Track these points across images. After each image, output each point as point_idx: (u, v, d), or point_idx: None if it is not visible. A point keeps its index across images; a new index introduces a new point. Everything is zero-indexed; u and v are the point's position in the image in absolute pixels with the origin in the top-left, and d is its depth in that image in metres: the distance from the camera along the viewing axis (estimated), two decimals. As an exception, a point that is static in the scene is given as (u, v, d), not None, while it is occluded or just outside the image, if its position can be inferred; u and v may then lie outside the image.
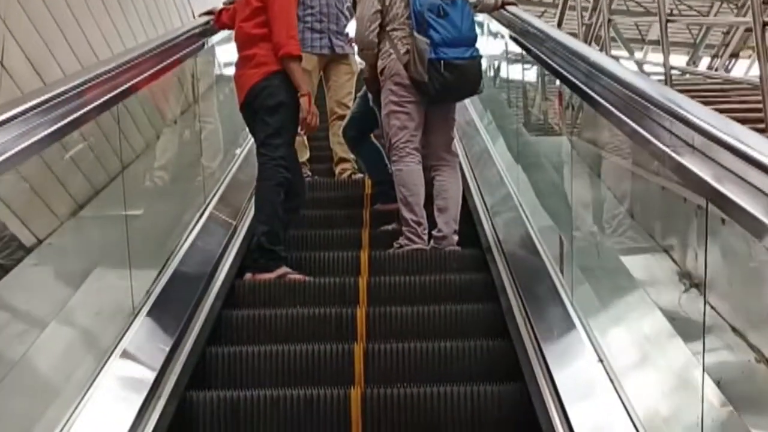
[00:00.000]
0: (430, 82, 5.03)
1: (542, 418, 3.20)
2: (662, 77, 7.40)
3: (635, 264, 3.35)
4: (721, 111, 2.28)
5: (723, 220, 2.16)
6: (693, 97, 3.27)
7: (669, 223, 3.11)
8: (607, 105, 3.13)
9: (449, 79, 5.04)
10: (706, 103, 2.67)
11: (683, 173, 2.32)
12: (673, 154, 2.37)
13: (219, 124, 6.25)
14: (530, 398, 3.42)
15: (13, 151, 2.62)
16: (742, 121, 2.29)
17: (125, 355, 3.35)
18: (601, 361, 3.15)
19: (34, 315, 3.06)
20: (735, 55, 13.93)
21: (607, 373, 3.12)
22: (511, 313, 4.14)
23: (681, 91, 2.74)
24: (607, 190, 3.73)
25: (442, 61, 5.01)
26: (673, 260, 2.88)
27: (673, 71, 7.74)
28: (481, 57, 5.16)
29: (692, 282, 2.50)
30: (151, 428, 3.12)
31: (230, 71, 5.37)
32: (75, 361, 3.22)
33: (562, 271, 4.00)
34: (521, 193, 5.18)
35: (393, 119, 5.20)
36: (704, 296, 2.33)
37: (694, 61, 14.35)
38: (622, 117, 2.92)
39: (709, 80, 8.79)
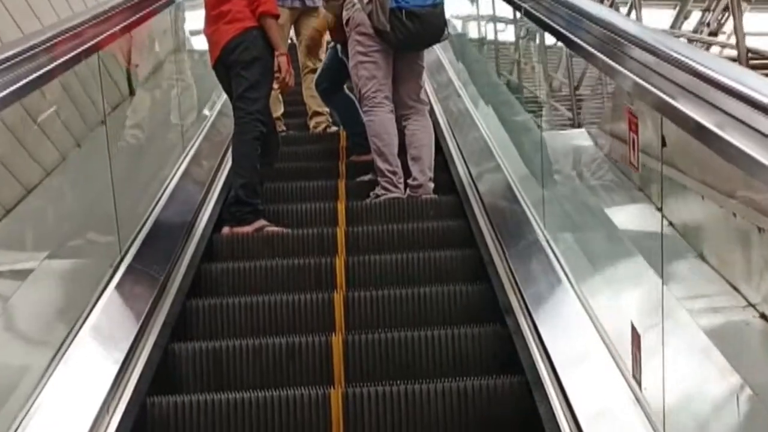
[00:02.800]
0: (392, 32, 5.03)
1: (522, 355, 3.24)
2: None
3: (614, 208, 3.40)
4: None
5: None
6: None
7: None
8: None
9: (411, 28, 5.04)
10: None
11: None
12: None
13: (192, 81, 6.22)
14: (511, 337, 3.45)
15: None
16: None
17: (108, 304, 3.38)
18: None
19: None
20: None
21: (585, 310, 3.16)
22: (489, 257, 4.17)
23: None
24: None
25: (403, 11, 5.01)
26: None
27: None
28: (442, 4, 5.15)
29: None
30: (135, 380, 3.15)
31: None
32: (57, 309, 3.24)
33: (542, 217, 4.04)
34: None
35: (361, 69, 5.20)
36: (661, 213, 2.42)
37: (685, 16, 13.69)
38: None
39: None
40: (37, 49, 3.06)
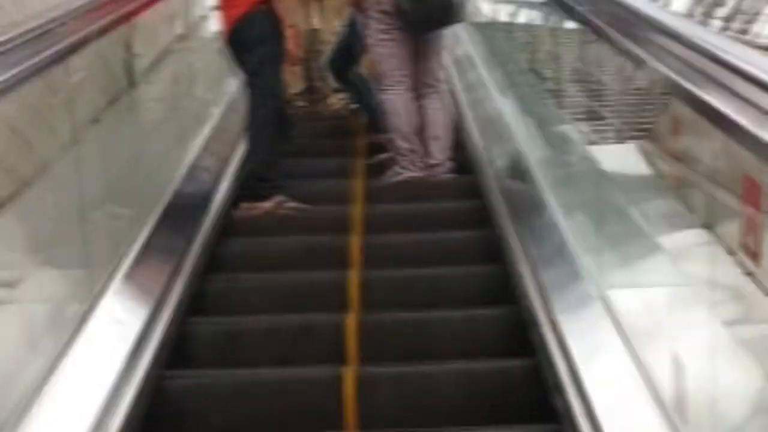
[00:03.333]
0: (411, 11, 5.01)
1: (536, 338, 3.25)
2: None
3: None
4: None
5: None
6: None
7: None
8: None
9: (431, 7, 5.01)
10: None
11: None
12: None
13: (211, 56, 6.22)
14: (524, 320, 3.46)
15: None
16: None
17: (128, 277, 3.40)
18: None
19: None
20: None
21: (602, 298, 3.16)
22: (506, 238, 4.17)
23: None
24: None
25: None
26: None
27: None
28: None
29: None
30: (151, 356, 3.17)
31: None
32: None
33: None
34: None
35: (380, 47, 5.19)
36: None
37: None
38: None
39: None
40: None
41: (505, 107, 5.53)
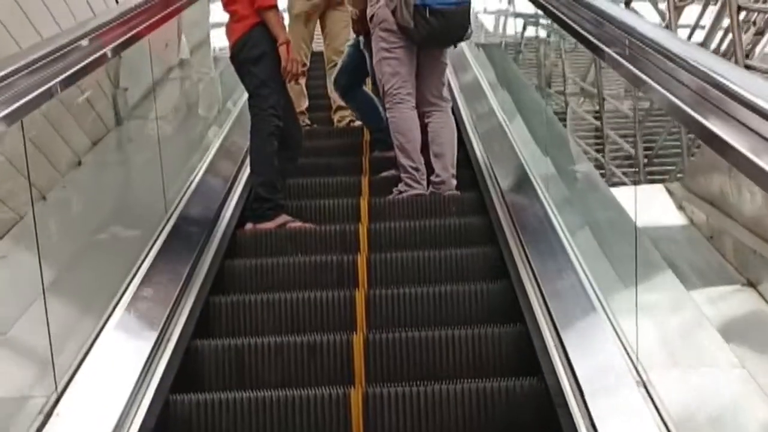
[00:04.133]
0: (416, 29, 5.04)
1: (542, 358, 3.25)
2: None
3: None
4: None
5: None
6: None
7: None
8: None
9: (435, 25, 5.04)
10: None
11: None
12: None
13: (216, 74, 6.25)
14: (530, 339, 3.46)
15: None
16: None
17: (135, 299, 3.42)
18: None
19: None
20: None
21: (608, 316, 3.16)
22: (510, 255, 4.17)
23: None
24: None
25: (427, 8, 5.02)
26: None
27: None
28: (468, 3, 5.15)
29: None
30: (158, 378, 3.18)
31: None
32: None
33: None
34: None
35: (384, 66, 5.21)
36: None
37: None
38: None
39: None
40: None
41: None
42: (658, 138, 5.72)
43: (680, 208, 3.03)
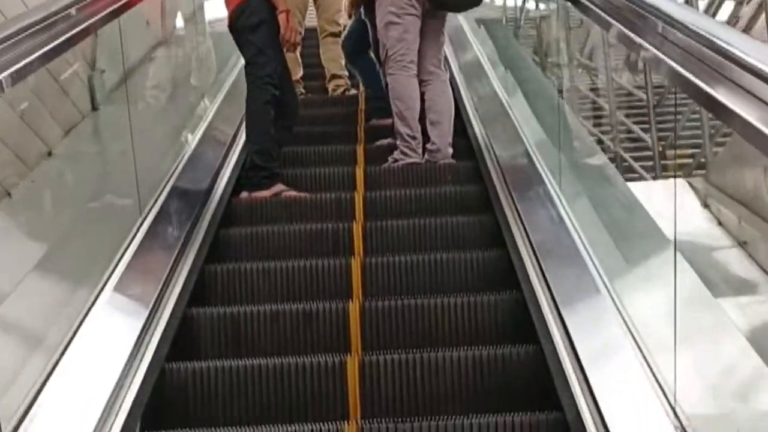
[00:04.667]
0: None
1: (538, 323, 3.24)
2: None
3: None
4: None
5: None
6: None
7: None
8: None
9: None
10: None
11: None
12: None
13: (210, 43, 6.22)
14: (526, 305, 3.45)
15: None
16: None
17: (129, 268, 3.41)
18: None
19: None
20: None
21: (605, 284, 3.15)
22: (506, 223, 4.16)
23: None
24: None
25: None
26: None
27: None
28: None
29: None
30: (154, 346, 3.17)
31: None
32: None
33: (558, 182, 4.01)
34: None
35: (391, 30, 5.16)
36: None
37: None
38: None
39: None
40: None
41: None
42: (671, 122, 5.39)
43: (705, 206, 2.66)
